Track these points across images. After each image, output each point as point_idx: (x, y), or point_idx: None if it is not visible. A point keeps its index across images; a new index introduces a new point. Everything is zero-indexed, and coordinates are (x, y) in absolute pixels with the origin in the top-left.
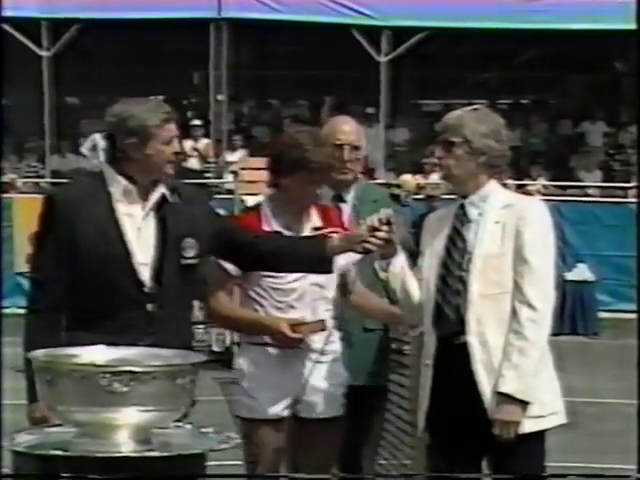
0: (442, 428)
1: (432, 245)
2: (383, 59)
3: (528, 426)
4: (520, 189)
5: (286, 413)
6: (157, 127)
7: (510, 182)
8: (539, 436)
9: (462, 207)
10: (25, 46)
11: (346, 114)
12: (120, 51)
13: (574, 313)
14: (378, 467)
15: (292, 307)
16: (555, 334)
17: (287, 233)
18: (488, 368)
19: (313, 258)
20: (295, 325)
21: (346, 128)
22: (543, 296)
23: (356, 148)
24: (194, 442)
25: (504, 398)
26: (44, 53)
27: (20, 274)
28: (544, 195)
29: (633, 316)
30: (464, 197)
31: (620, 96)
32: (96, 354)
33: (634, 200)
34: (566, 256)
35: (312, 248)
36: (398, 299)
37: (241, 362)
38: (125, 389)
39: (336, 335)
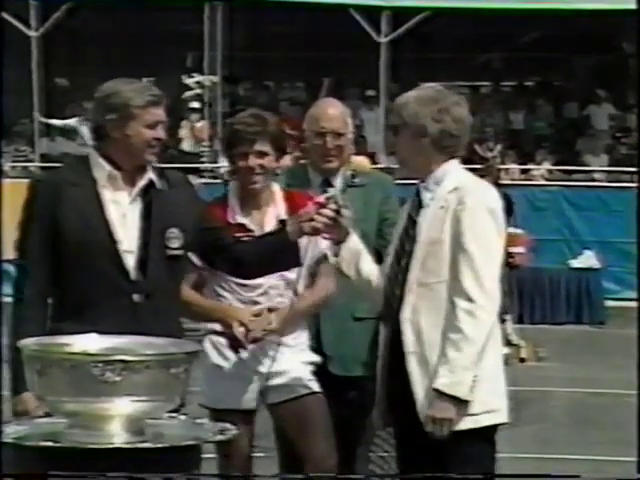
0: (394, 425)
1: (394, 234)
2: (383, 40)
3: (461, 424)
4: (524, 174)
5: (252, 405)
6: (140, 108)
7: (514, 166)
8: (477, 435)
9: (417, 192)
10: (13, 26)
11: (345, 96)
12: (110, 31)
13: (579, 301)
14: (378, 459)
15: (257, 303)
16: (560, 323)
17: (251, 225)
18: (421, 361)
19: (280, 254)
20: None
21: (330, 113)
22: (481, 287)
23: (340, 135)
24: (188, 433)
25: (437, 394)
26: (32, 33)
27: (8, 261)
28: (549, 180)
29: None
30: (422, 181)
31: (627, 77)
32: (88, 343)
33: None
34: (571, 243)
35: (276, 243)
36: (353, 283)
37: (205, 351)
38: (118, 379)
39: (304, 330)
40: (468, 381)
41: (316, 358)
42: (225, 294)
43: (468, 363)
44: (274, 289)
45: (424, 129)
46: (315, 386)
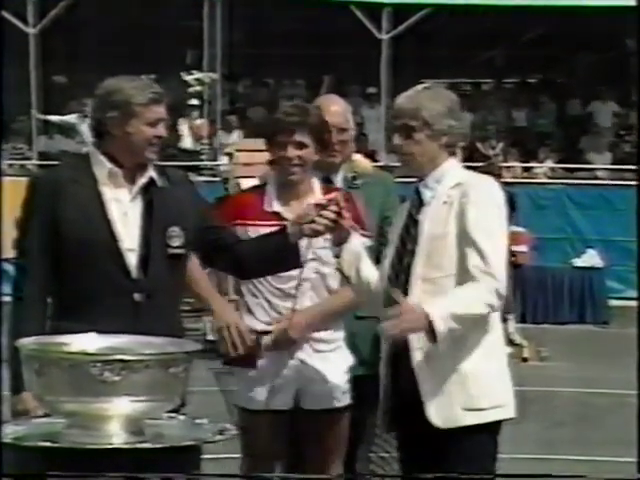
0: (399, 424)
1: (393, 234)
2: (384, 37)
3: (469, 419)
4: (527, 172)
5: (287, 406)
6: (142, 106)
7: (516, 164)
8: (483, 430)
9: (417, 191)
10: (11, 23)
11: (346, 94)
12: (109, 28)
13: (582, 301)
14: (378, 460)
15: (290, 295)
16: (563, 323)
17: (286, 214)
18: (427, 357)
19: (280, 255)
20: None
21: (333, 109)
22: (489, 273)
23: (343, 130)
24: (188, 433)
25: (424, 316)
26: (30, 30)
27: (5, 260)
28: (552, 178)
29: None
30: (421, 180)
31: (630, 75)
32: (87, 342)
33: None
34: (574, 241)
35: (277, 244)
36: (353, 286)
37: None
38: (117, 378)
39: (339, 326)
40: (451, 325)
41: (351, 361)
42: (258, 285)
43: (467, 301)
44: (308, 282)
45: (445, 130)
46: (348, 399)
